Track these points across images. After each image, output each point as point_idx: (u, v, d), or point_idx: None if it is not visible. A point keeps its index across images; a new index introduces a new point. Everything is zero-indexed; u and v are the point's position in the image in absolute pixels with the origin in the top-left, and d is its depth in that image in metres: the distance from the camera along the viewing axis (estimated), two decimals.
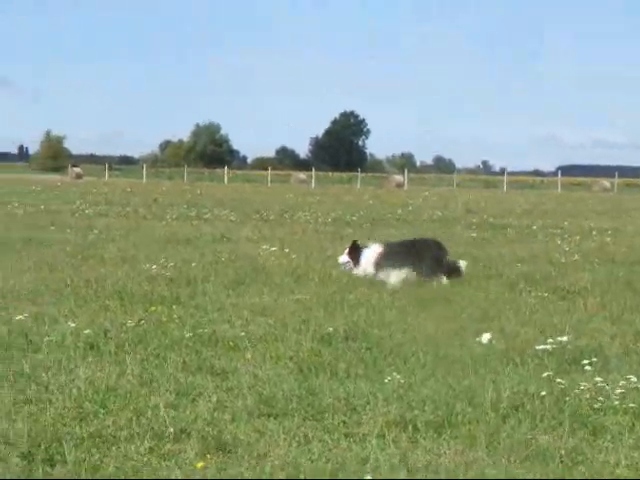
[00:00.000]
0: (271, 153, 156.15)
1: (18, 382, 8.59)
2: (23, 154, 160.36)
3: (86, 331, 10.57)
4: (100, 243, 22.04)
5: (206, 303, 13.08)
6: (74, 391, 8.20)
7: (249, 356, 9.77)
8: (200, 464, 6.35)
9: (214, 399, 8.04)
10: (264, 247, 21.03)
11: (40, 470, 6.27)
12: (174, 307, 12.57)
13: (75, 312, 11.90)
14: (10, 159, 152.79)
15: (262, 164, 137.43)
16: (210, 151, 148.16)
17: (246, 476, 6.22)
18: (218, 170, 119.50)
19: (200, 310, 12.46)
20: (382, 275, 15.91)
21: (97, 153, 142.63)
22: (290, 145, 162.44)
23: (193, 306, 12.77)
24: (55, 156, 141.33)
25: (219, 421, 7.45)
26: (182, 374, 8.99)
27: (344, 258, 16.64)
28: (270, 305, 13.04)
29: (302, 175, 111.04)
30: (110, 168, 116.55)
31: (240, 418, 7.57)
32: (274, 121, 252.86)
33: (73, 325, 10.85)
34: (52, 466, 6.38)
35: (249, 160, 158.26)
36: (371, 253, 16.31)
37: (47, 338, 10.32)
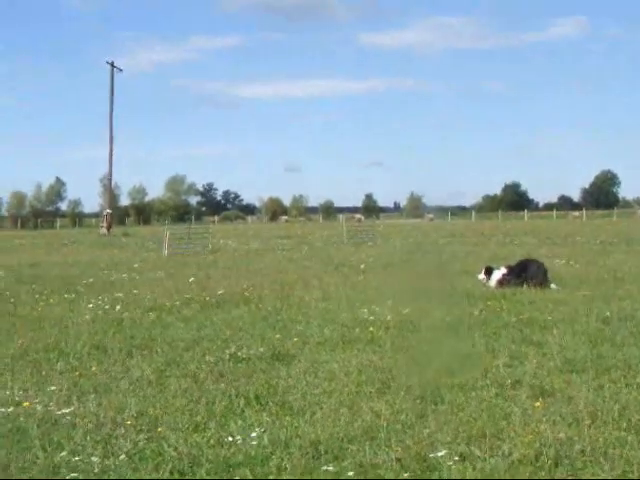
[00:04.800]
0: (554, 199, 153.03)
1: None
2: (397, 207, 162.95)
3: (448, 318, 10.58)
4: (451, 261, 22.05)
5: (523, 298, 12.84)
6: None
7: (555, 332, 9.49)
8: (537, 403, 6.17)
9: (535, 361, 7.81)
10: (556, 261, 20.48)
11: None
12: (502, 301, 12.40)
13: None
14: (389, 211, 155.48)
15: (549, 207, 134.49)
16: (514, 201, 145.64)
17: (564, 412, 6.02)
18: (520, 213, 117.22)
19: (518, 303, 12.23)
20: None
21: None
22: (567, 193, 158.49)
23: (516, 300, 12.55)
24: (417, 207, 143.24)
25: (540, 375, 7.21)
26: (512, 345, 8.80)
27: (482, 275, 15.54)
28: (564, 299, 12.64)
29: (576, 213, 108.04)
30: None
31: (553, 373, 7.33)
32: (551, 178, 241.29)
33: (440, 314, 10.87)
34: (436, 405, 6.35)
35: (540, 205, 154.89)
36: (498, 273, 15.24)
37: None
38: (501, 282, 14.90)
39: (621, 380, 7.01)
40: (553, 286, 14.50)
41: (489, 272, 15.43)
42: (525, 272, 14.98)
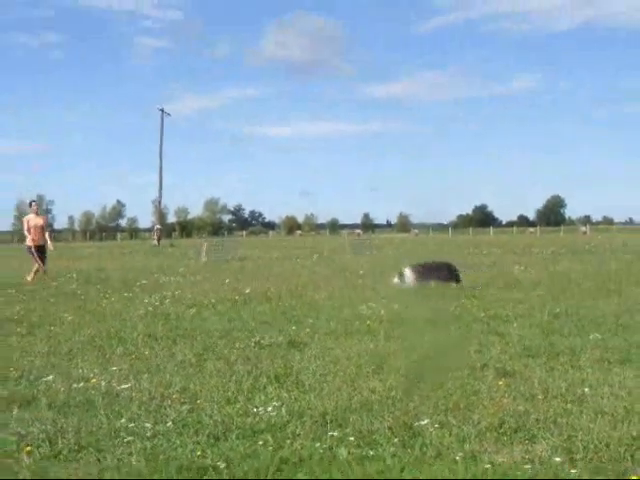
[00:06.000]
0: (515, 218, 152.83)
1: None
2: (388, 224, 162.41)
3: (430, 313, 10.56)
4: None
5: (490, 298, 12.79)
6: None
7: (515, 325, 9.45)
8: (500, 382, 6.15)
9: (499, 348, 7.78)
10: (516, 267, 20.39)
11: None
12: (473, 300, 12.33)
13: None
14: (382, 227, 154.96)
15: (511, 225, 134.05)
16: (482, 219, 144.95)
17: (522, 389, 6.00)
18: (487, 229, 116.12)
19: (486, 302, 12.18)
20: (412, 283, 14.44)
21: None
22: (525, 213, 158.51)
23: (484, 299, 12.49)
24: (404, 224, 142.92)
25: (503, 359, 7.17)
26: (481, 335, 8.77)
27: (396, 279, 15.02)
28: (523, 298, 12.58)
29: (532, 229, 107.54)
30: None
31: (514, 358, 7.29)
32: (512, 201, 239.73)
33: (423, 310, 10.83)
34: (420, 383, 6.34)
35: (503, 222, 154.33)
36: (408, 273, 14.72)
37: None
38: (415, 280, 14.52)
39: (568, 363, 7.00)
40: (463, 283, 14.20)
41: (402, 276, 14.91)
42: (436, 271, 14.64)
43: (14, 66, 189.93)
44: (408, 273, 14.84)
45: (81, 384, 6.41)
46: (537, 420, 5.08)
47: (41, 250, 19.08)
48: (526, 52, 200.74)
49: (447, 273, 14.56)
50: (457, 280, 14.82)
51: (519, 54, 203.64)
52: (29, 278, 18.67)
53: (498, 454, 4.48)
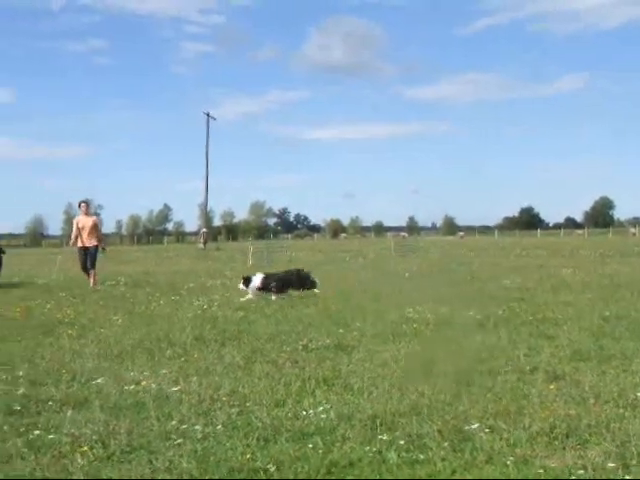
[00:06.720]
0: (562, 220, 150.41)
1: None
2: (434, 227, 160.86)
3: (478, 316, 10.48)
4: (479, 270, 21.70)
5: (538, 300, 12.63)
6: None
7: (565, 328, 9.30)
8: (551, 386, 6.07)
9: (548, 351, 7.66)
10: (564, 270, 20.10)
11: None
12: (521, 303, 12.18)
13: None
14: (428, 230, 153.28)
15: (557, 227, 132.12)
16: (529, 222, 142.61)
17: (573, 393, 5.91)
18: (534, 231, 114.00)
19: (534, 305, 12.02)
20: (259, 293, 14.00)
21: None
22: (572, 215, 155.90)
23: (532, 302, 12.32)
24: (451, 225, 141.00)
25: (553, 363, 7.06)
26: (530, 338, 8.66)
27: (241, 285, 14.39)
28: (571, 301, 12.39)
29: (579, 231, 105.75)
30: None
31: (564, 361, 7.17)
32: (559, 203, 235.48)
33: (471, 313, 10.76)
34: (469, 387, 6.29)
35: (550, 224, 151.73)
36: (256, 280, 14.14)
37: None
38: (260, 288, 14.11)
39: (619, 367, 6.87)
40: (316, 290, 14.13)
41: (247, 281, 14.38)
42: (289, 278, 14.36)
43: (62, 72, 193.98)
44: (256, 280, 14.29)
45: (132, 386, 6.51)
46: (589, 425, 4.99)
47: (88, 252, 18.32)
48: (572, 52, 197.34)
49: (301, 281, 14.29)
50: (313, 286, 14.43)
51: (565, 54, 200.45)
52: (92, 284, 18.26)
53: (550, 459, 4.42)
